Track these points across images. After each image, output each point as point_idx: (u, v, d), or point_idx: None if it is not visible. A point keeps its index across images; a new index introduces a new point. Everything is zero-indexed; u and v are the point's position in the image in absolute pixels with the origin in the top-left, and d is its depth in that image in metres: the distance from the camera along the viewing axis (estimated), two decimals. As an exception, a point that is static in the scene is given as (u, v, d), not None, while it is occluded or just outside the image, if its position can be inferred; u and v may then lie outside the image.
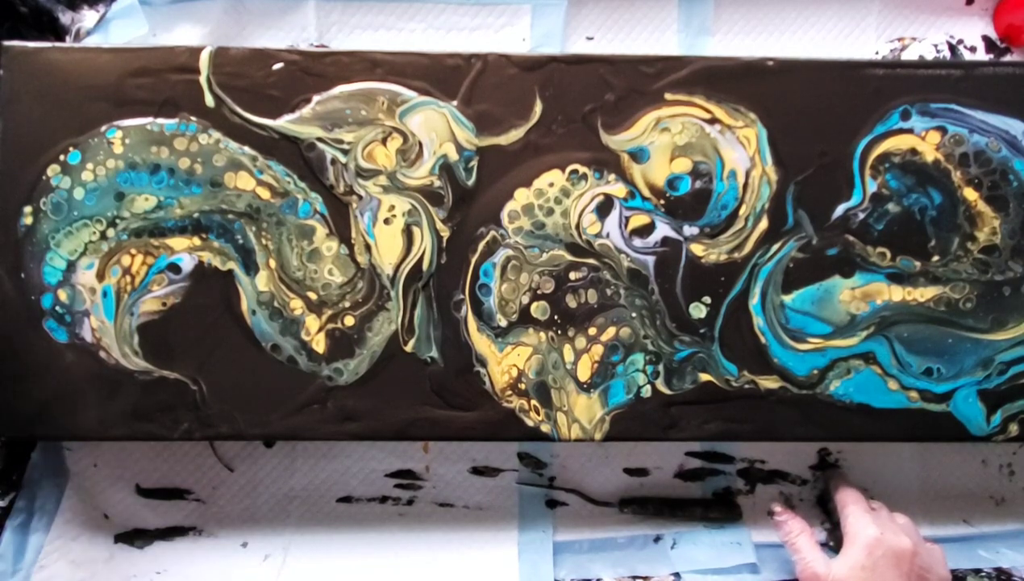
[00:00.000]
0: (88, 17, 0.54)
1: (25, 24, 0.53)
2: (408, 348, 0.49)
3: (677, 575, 0.53)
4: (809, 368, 0.50)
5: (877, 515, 0.49)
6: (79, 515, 0.54)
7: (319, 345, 0.49)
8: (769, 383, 0.50)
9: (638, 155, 0.50)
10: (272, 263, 0.49)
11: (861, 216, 0.50)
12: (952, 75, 0.50)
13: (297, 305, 0.49)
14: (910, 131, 0.50)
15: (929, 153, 0.50)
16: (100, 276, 0.48)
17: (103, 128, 0.48)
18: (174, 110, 0.49)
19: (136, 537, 0.55)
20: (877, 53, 0.59)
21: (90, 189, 0.48)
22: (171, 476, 0.56)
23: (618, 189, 0.50)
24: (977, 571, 0.53)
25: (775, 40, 0.58)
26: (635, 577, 0.53)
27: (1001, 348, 0.50)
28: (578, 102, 0.50)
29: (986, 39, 0.60)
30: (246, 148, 0.49)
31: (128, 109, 0.48)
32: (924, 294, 0.50)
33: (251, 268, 0.49)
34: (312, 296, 0.49)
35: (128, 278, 0.48)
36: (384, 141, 0.49)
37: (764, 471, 0.57)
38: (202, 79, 0.49)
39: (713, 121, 0.50)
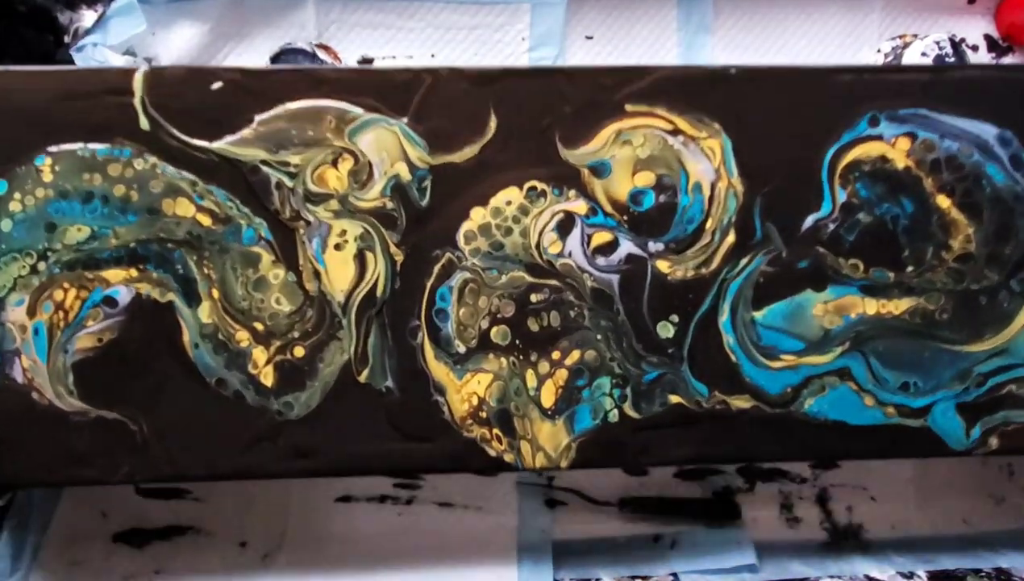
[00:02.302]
0: (87, 16, 0.54)
1: (23, 24, 0.52)
2: (362, 378, 0.47)
3: (676, 575, 0.52)
4: (782, 386, 0.48)
5: None
6: (77, 514, 0.54)
7: (267, 378, 0.46)
8: (741, 403, 0.48)
9: (599, 169, 0.47)
10: (215, 293, 0.46)
11: (832, 227, 0.48)
12: (920, 80, 0.49)
13: (243, 337, 0.46)
14: (879, 138, 0.48)
15: (899, 160, 0.48)
16: (31, 312, 0.45)
17: (31, 155, 0.45)
18: (107, 135, 0.46)
19: (135, 536, 0.54)
20: (879, 52, 0.58)
21: (18, 220, 0.45)
22: (170, 475, 0.55)
23: (579, 206, 0.47)
24: (977, 571, 0.53)
25: (775, 39, 0.58)
26: (635, 577, 0.53)
27: (979, 359, 0.49)
28: (534, 116, 0.47)
29: (988, 38, 0.59)
30: (185, 173, 0.46)
31: (57, 135, 0.46)
32: (899, 306, 0.48)
33: (193, 299, 0.46)
34: (259, 327, 0.46)
35: (61, 314, 0.46)
36: (335, 163, 0.46)
37: (764, 470, 0.57)
38: (136, 101, 0.46)
39: (676, 132, 0.48)
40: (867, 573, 0.54)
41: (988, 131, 0.49)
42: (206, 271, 0.46)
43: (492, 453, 0.47)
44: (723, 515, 0.55)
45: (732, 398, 0.48)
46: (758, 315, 0.48)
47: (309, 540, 0.55)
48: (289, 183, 0.46)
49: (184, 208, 0.46)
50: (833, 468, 0.57)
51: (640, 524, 0.56)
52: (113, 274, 0.46)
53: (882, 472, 0.57)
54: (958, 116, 0.48)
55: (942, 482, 0.57)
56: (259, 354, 0.46)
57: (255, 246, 0.46)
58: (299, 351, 0.46)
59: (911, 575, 0.53)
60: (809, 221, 0.48)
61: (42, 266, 0.45)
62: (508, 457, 0.47)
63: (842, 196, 0.48)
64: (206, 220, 0.46)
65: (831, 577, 0.53)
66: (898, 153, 0.48)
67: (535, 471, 0.47)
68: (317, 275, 0.46)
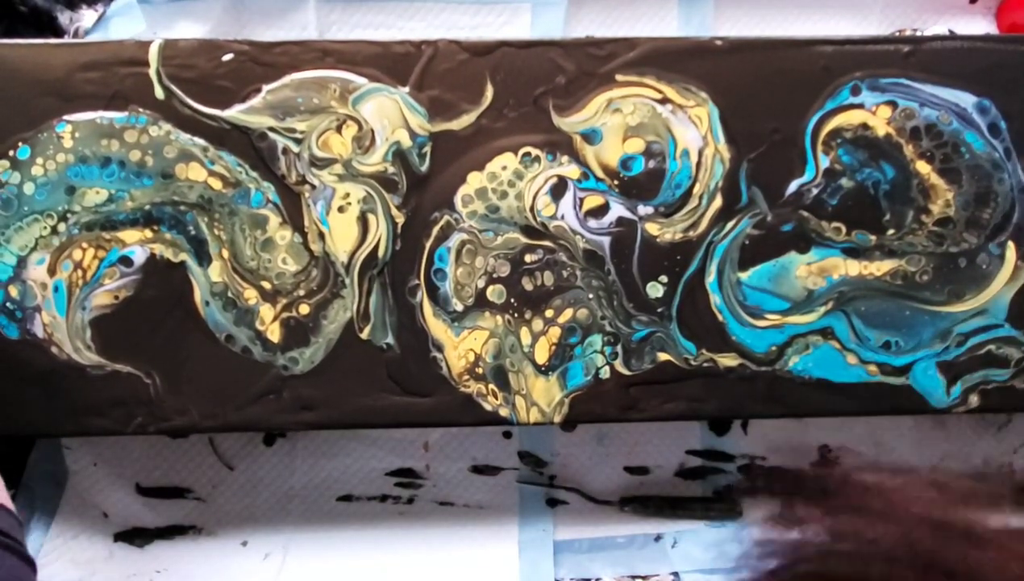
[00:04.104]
0: (87, 16, 0.55)
1: (24, 23, 0.53)
2: (364, 335, 0.49)
3: (677, 574, 0.53)
4: (768, 345, 0.50)
5: None
6: (78, 514, 0.54)
7: (274, 335, 0.49)
8: (728, 361, 0.50)
9: (591, 136, 0.50)
10: (225, 253, 0.49)
11: (815, 192, 0.50)
12: (901, 50, 0.51)
13: (251, 295, 0.49)
14: (860, 106, 0.50)
15: (880, 128, 0.50)
16: (51, 271, 0.48)
17: (52, 122, 0.48)
18: (124, 103, 0.48)
19: (136, 536, 0.54)
20: None
21: (40, 184, 0.48)
22: (171, 475, 0.56)
23: (571, 171, 0.50)
24: None
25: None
26: (635, 576, 0.53)
27: (959, 320, 0.50)
28: (529, 86, 0.50)
29: None
30: (197, 139, 0.48)
31: (77, 103, 0.48)
32: (880, 268, 0.50)
33: (204, 259, 0.48)
34: (266, 285, 0.49)
35: (80, 272, 0.48)
36: (339, 129, 0.49)
37: (765, 468, 0.57)
38: (151, 72, 0.49)
39: (664, 101, 0.50)
40: None
41: (967, 100, 0.50)
42: (216, 232, 0.49)
43: (488, 408, 0.49)
44: (724, 514, 0.55)
45: (719, 356, 0.50)
46: (744, 276, 0.50)
47: (310, 539, 0.54)
48: (295, 149, 0.49)
49: (196, 172, 0.49)
50: (833, 468, 0.56)
51: (641, 523, 0.55)
52: (129, 235, 0.48)
53: None
54: (937, 85, 0.50)
55: None
56: (266, 311, 0.49)
57: (263, 209, 0.49)
58: (304, 309, 0.49)
59: None
60: (793, 186, 0.50)
61: (62, 227, 0.48)
62: (503, 412, 0.49)
63: (825, 162, 0.50)
64: (217, 184, 0.49)
65: None
66: (879, 121, 0.50)
67: (529, 425, 0.49)
68: (322, 236, 0.49)
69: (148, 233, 0.48)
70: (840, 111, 0.50)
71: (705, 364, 0.50)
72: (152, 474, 0.56)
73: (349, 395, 0.49)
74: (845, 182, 0.50)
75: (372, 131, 0.49)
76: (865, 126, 0.50)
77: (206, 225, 0.48)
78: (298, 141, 0.49)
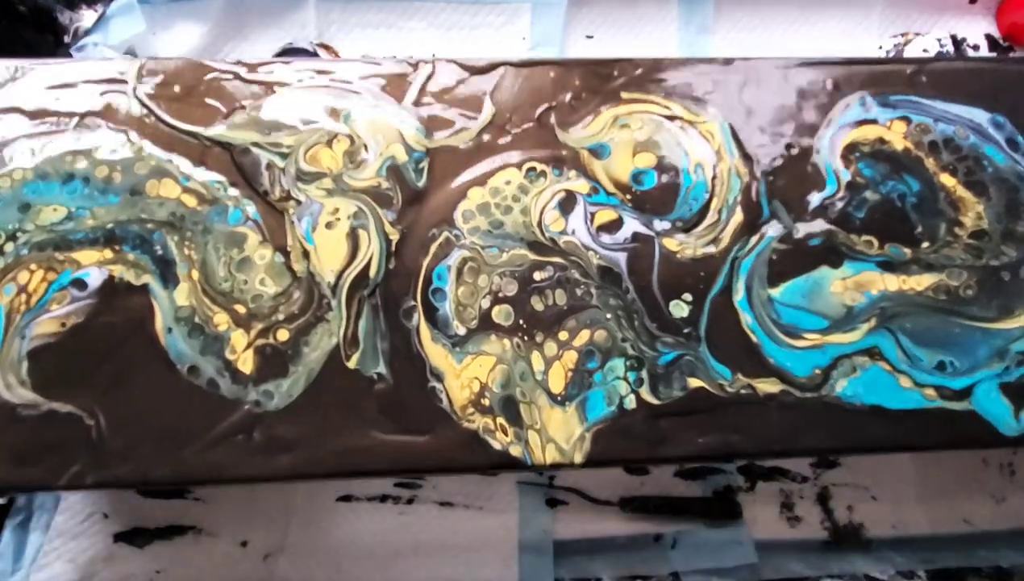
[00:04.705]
0: (87, 16, 0.55)
1: (24, 24, 0.52)
2: (351, 364, 0.42)
3: (676, 575, 0.52)
4: (811, 367, 0.44)
5: None
6: (78, 514, 0.54)
7: (246, 364, 0.42)
8: (768, 386, 0.44)
9: (598, 151, 0.47)
10: (195, 275, 0.43)
11: (839, 205, 0.47)
12: (906, 70, 0.50)
13: (222, 320, 0.42)
14: (874, 121, 0.48)
15: (897, 141, 0.48)
16: (-10, 296, 0.42)
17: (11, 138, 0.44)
18: (96, 122, 0.45)
19: (135, 536, 0.53)
20: (880, 48, 0.59)
21: (-10, 202, 0.43)
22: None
23: (580, 185, 0.46)
24: (977, 571, 0.52)
25: (776, 38, 0.58)
26: (635, 577, 0.52)
27: (1014, 337, 0.45)
28: (531, 103, 0.47)
29: (989, 37, 0.60)
30: (173, 156, 0.44)
31: (44, 122, 0.44)
32: (921, 282, 0.46)
33: (169, 281, 0.43)
34: (240, 309, 0.43)
35: (23, 297, 0.42)
36: (329, 144, 0.45)
37: (764, 468, 0.56)
38: (128, 89, 0.45)
39: (673, 118, 0.48)
40: (867, 573, 0.53)
41: (980, 116, 0.49)
42: (187, 252, 0.43)
43: (497, 446, 0.42)
44: (724, 514, 0.54)
45: (758, 381, 0.44)
46: (775, 293, 0.45)
47: (310, 540, 0.54)
48: (280, 163, 0.45)
49: (169, 189, 0.44)
50: (834, 467, 0.56)
51: (641, 523, 0.55)
52: (86, 255, 0.43)
53: (883, 471, 0.55)
54: (948, 102, 0.49)
55: (942, 482, 0.56)
56: (238, 338, 0.42)
57: (241, 226, 0.44)
58: (283, 334, 0.42)
59: (911, 575, 0.52)
60: (816, 199, 0.47)
61: (9, 247, 0.42)
62: (515, 450, 0.42)
63: (846, 175, 0.47)
64: (191, 201, 0.44)
65: (831, 577, 0.52)
66: (895, 135, 0.48)
67: (545, 468, 0.41)
68: (306, 254, 0.44)
69: (108, 253, 0.43)
70: (854, 126, 0.48)
71: (743, 391, 0.43)
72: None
73: (332, 434, 0.41)
74: (870, 195, 0.47)
75: (365, 146, 0.45)
76: (882, 140, 0.48)
77: (175, 244, 0.43)
78: (284, 156, 0.45)
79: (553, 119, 0.47)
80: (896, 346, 0.45)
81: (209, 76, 0.46)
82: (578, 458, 0.42)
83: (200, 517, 0.55)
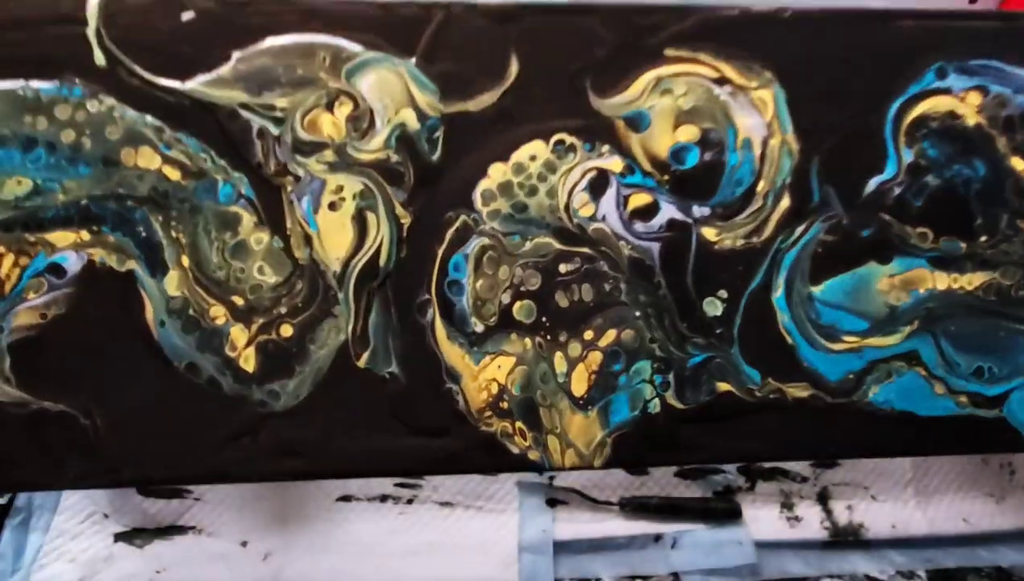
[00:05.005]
0: None
1: None
2: (361, 363, 0.40)
3: (676, 575, 0.52)
4: (843, 372, 0.42)
5: None
6: (78, 514, 0.54)
7: (248, 363, 0.39)
8: (798, 391, 0.42)
9: (636, 122, 0.41)
10: (185, 261, 0.39)
11: (897, 191, 0.42)
12: (991, 27, 0.43)
13: (219, 313, 0.39)
14: (948, 91, 0.43)
15: (970, 116, 0.43)
16: (-42, 283, 0.37)
17: (-40, 93, 0.38)
18: (54, 70, 0.38)
19: (135, 536, 0.53)
20: None
21: (-58, 171, 0.37)
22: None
23: (613, 163, 0.41)
24: (977, 571, 0.52)
25: None
26: (635, 576, 0.52)
27: (1059, 342, 0.43)
28: (562, 60, 0.41)
29: None
30: (149, 117, 0.39)
31: (-7, 69, 0.38)
32: (972, 281, 0.43)
33: (158, 268, 0.39)
34: (238, 301, 0.39)
35: (-5, 284, 0.38)
36: (330, 107, 0.39)
37: (764, 468, 0.56)
38: (90, 32, 0.38)
39: (723, 81, 0.42)
40: (867, 572, 0.53)
41: (1068, 88, 0.43)
42: (174, 234, 0.39)
43: (515, 451, 0.40)
44: (724, 514, 0.54)
45: (788, 386, 0.42)
46: (816, 290, 0.42)
47: (310, 540, 0.53)
48: (275, 131, 0.39)
49: (148, 159, 0.39)
50: (834, 467, 0.56)
51: (641, 523, 0.54)
52: (60, 237, 0.38)
53: (882, 471, 0.55)
54: (1035, 69, 0.43)
55: (942, 482, 0.56)
56: (238, 334, 0.39)
57: (233, 205, 0.39)
58: (286, 330, 0.39)
59: (911, 575, 0.53)
60: (872, 184, 0.42)
61: (-28, 226, 0.38)
62: (533, 455, 0.40)
63: (908, 156, 0.43)
64: (174, 174, 0.39)
65: (831, 576, 0.53)
66: (968, 108, 0.43)
67: (564, 469, 0.41)
68: (308, 240, 0.39)
69: (85, 235, 0.38)
70: (925, 96, 0.43)
71: (772, 396, 0.42)
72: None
73: (343, 437, 0.40)
74: (931, 180, 0.43)
75: (371, 110, 0.40)
76: (953, 115, 0.43)
77: (160, 225, 0.39)
78: (278, 121, 0.39)
79: (587, 81, 0.41)
80: (936, 351, 0.43)
81: (184, 16, 0.39)
82: (598, 463, 0.41)
83: (200, 517, 0.55)
